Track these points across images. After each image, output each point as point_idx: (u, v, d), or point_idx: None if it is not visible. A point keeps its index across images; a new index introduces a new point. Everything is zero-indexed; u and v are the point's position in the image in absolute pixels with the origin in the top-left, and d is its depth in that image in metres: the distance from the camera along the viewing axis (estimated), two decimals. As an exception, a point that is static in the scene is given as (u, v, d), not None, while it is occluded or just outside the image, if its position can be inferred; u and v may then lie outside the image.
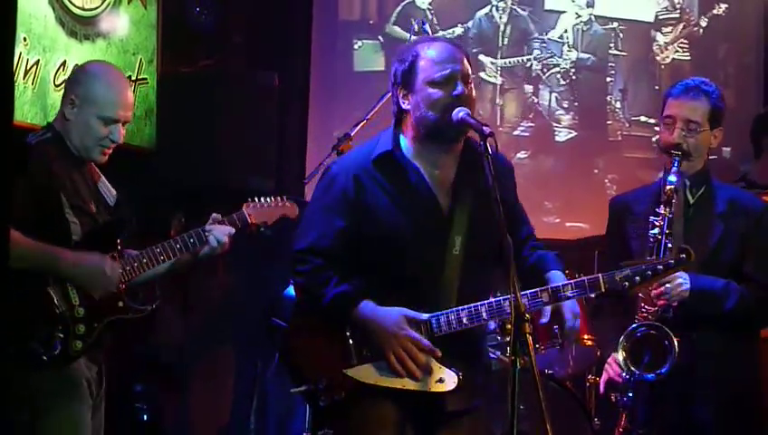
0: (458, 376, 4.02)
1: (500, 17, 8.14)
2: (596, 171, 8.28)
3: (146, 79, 6.72)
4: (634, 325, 4.53)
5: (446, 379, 4.02)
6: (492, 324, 6.37)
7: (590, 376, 6.42)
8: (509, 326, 3.65)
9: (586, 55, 8.24)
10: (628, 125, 8.29)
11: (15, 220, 4.02)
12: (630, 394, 4.56)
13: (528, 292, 3.95)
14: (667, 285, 4.42)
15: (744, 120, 6.75)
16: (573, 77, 8.21)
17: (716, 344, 4.56)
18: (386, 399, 4.06)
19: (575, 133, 8.26)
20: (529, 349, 3.54)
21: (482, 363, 4.32)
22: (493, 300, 4.01)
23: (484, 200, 3.95)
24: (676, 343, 4.42)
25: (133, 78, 6.61)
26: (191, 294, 6.92)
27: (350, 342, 4.07)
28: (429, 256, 4.08)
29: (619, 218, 4.80)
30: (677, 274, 4.36)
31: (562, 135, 8.24)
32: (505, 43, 8.14)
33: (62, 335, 4.21)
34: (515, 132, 8.16)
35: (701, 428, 4.56)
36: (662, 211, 4.49)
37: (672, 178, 4.52)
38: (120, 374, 4.44)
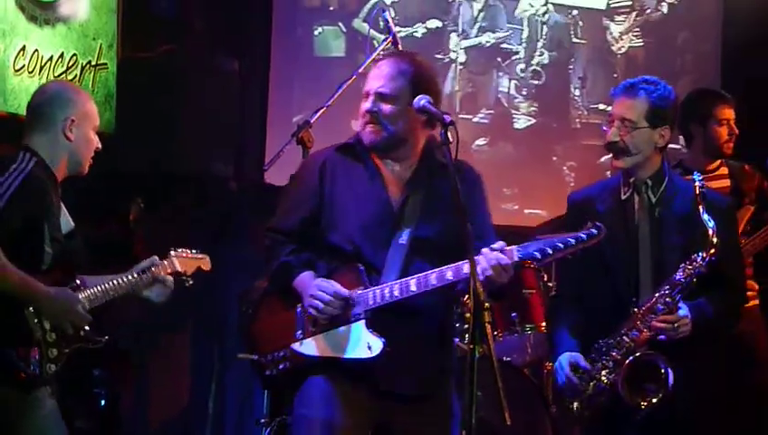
0: (383, 344, 4.07)
1: (477, 5, 8.18)
2: (555, 159, 8.32)
3: (106, 64, 6.70)
4: (633, 356, 4.36)
5: (373, 345, 4.09)
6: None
7: (548, 363, 6.44)
8: (468, 315, 3.68)
9: (546, 43, 8.27)
10: (586, 113, 8.32)
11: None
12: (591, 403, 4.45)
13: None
14: (676, 325, 4.31)
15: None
16: (533, 65, 8.25)
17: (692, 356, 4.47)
18: (333, 374, 4.17)
19: (534, 120, 8.29)
20: (488, 337, 3.60)
21: (444, 352, 4.34)
22: (422, 275, 4.06)
23: (438, 198, 4.12)
24: (671, 375, 4.28)
25: (93, 63, 6.59)
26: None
27: (299, 315, 4.23)
28: (375, 243, 4.20)
29: (580, 215, 4.61)
30: (684, 312, 4.32)
31: (521, 122, 8.27)
32: (477, 28, 8.18)
33: (37, 357, 4.29)
34: (474, 119, 8.19)
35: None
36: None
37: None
38: (77, 359, 4.45)
